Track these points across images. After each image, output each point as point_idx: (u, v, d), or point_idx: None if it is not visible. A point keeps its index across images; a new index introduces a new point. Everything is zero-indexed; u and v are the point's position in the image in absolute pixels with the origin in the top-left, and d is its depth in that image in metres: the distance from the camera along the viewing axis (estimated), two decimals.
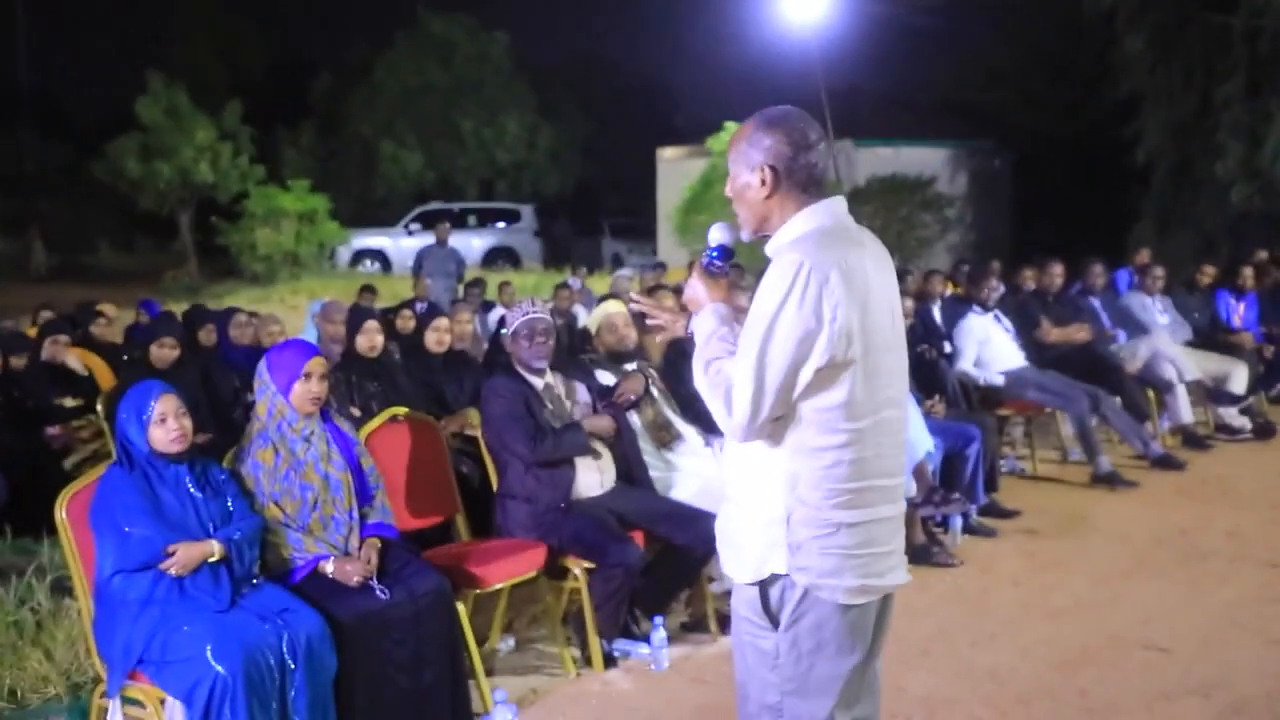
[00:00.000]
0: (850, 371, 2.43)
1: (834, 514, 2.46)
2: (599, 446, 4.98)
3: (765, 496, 2.51)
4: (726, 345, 2.52)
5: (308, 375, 4.13)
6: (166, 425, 3.80)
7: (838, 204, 2.59)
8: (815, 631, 2.51)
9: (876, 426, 2.50)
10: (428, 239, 24.67)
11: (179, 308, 11.70)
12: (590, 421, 4.95)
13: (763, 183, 2.54)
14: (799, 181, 2.54)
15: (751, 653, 2.60)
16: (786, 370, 2.39)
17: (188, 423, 3.87)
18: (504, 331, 5.23)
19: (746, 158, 2.57)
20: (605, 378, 5.53)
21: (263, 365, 4.22)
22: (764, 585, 2.54)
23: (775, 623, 2.54)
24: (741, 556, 2.58)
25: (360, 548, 4.11)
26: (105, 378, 7.48)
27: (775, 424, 2.46)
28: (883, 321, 2.51)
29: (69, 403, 6.87)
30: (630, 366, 5.60)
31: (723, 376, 2.46)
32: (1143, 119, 16.29)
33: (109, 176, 25.50)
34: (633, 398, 5.22)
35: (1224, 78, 15.13)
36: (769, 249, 2.57)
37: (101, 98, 36.58)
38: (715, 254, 2.72)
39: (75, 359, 7.26)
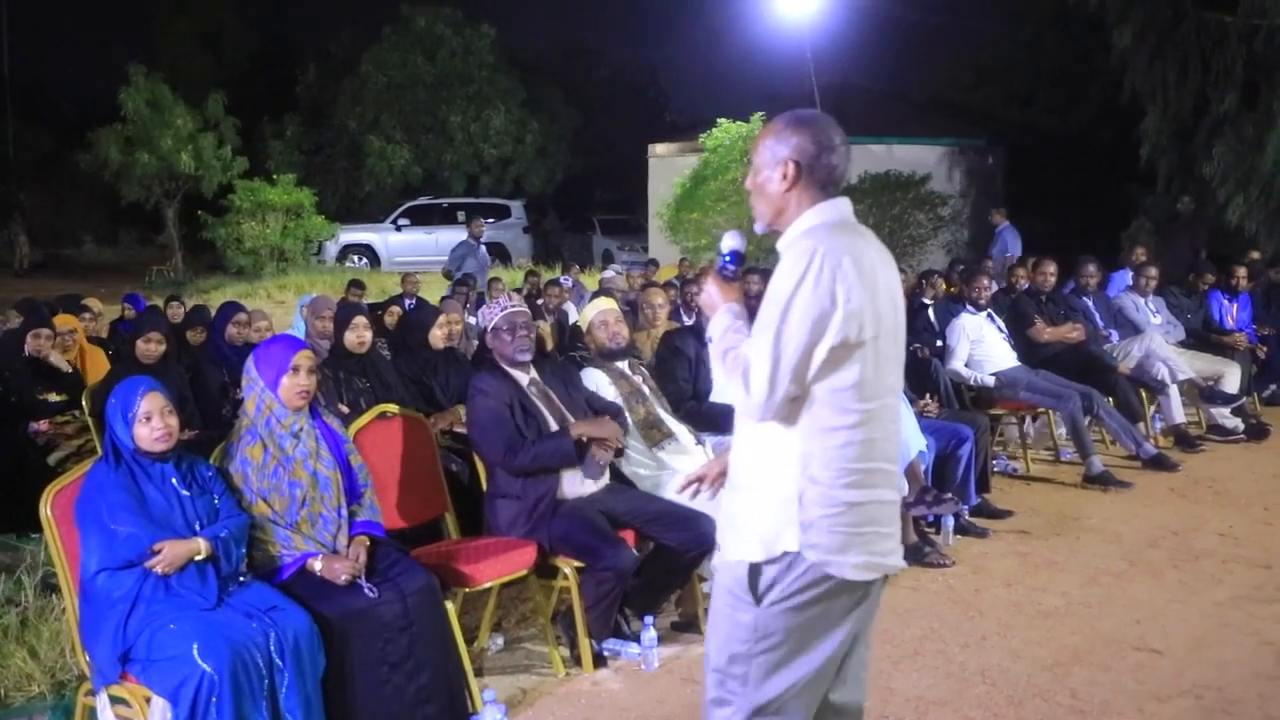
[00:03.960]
0: (861, 353, 2.54)
1: (843, 493, 2.55)
2: (595, 458, 4.89)
3: (778, 477, 2.59)
4: (741, 336, 2.64)
5: (295, 368, 4.11)
6: (151, 424, 3.76)
7: (844, 203, 2.71)
8: (803, 608, 2.58)
9: (883, 411, 2.60)
10: (416, 235, 24.83)
11: (165, 297, 11.66)
12: (582, 426, 4.88)
13: (784, 176, 2.67)
14: (819, 179, 2.67)
15: (726, 624, 2.66)
16: (802, 350, 2.49)
17: (173, 421, 3.82)
18: (485, 327, 5.22)
19: (772, 152, 2.69)
20: (599, 375, 5.49)
21: (250, 361, 4.19)
22: (758, 565, 2.59)
23: (758, 599, 2.60)
24: (750, 536, 2.62)
25: (349, 546, 4.07)
26: (101, 372, 7.42)
27: (791, 404, 2.55)
28: (887, 310, 2.61)
29: (53, 398, 6.81)
30: (615, 397, 5.48)
31: (740, 359, 2.56)
32: (1142, 118, 16.29)
33: (91, 167, 25.38)
34: (610, 456, 5.05)
35: (1220, 76, 15.13)
36: (781, 244, 2.68)
37: (85, 87, 36.49)
38: (728, 259, 2.85)
39: (59, 355, 7.18)
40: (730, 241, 2.87)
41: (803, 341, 2.49)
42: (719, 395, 2.44)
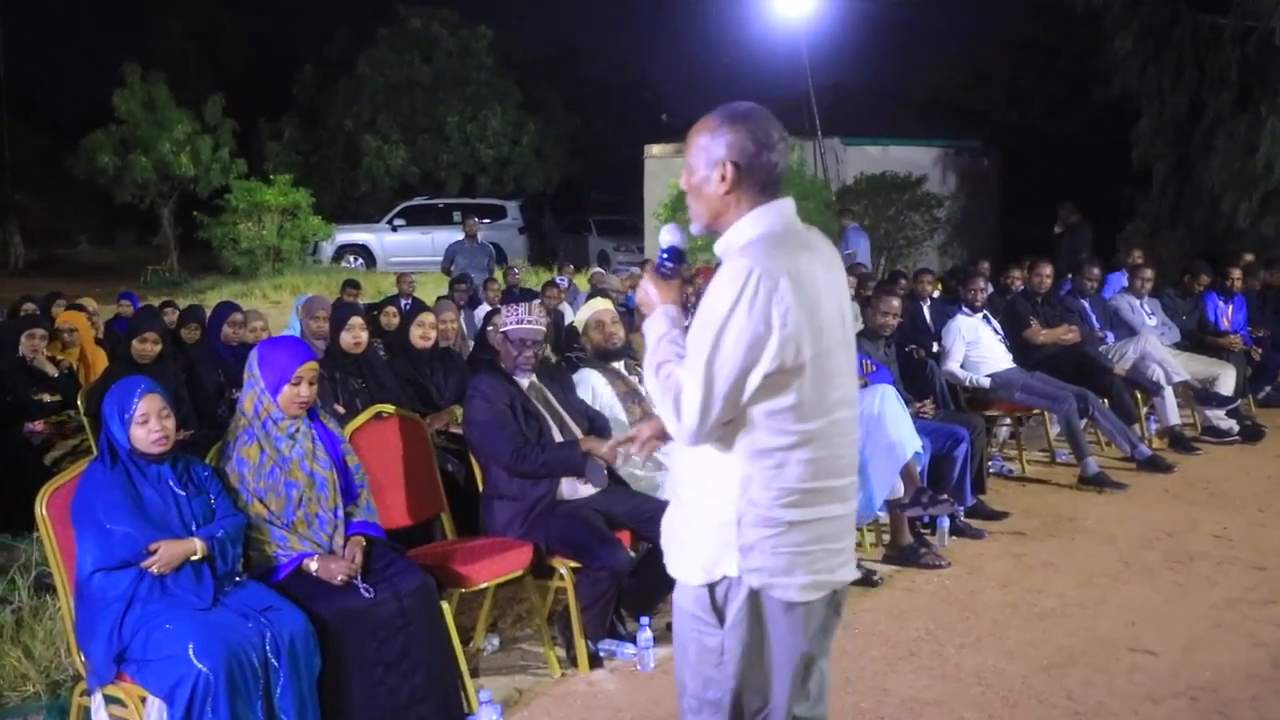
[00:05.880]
0: (800, 375, 2.44)
1: (783, 513, 2.48)
2: (599, 461, 4.89)
3: (717, 498, 2.52)
4: (676, 348, 2.53)
5: (298, 380, 4.09)
6: (148, 426, 3.76)
7: (787, 205, 2.58)
8: (761, 628, 2.53)
9: (829, 427, 2.52)
10: (412, 235, 24.82)
11: (159, 302, 11.64)
12: (590, 442, 4.89)
13: (723, 178, 2.53)
14: (759, 180, 2.54)
15: (694, 648, 2.61)
16: (735, 376, 2.40)
17: (170, 424, 3.82)
18: (492, 328, 5.19)
19: (708, 152, 2.55)
20: (595, 375, 5.49)
21: (254, 358, 4.17)
22: (713, 585, 2.55)
23: (722, 619, 2.55)
24: (691, 559, 2.58)
25: (345, 546, 4.07)
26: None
27: (725, 427, 2.47)
28: (833, 323, 2.52)
29: (47, 398, 6.80)
30: (611, 398, 5.47)
31: (672, 381, 2.47)
32: (1137, 120, 16.33)
33: (84, 170, 25.30)
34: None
35: (1215, 79, 15.18)
36: (718, 247, 2.57)
37: (80, 88, 36.42)
38: (665, 255, 2.72)
39: (43, 359, 7.14)
40: (668, 236, 2.74)
41: (736, 367, 2.39)
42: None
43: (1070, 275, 9.62)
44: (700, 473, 2.56)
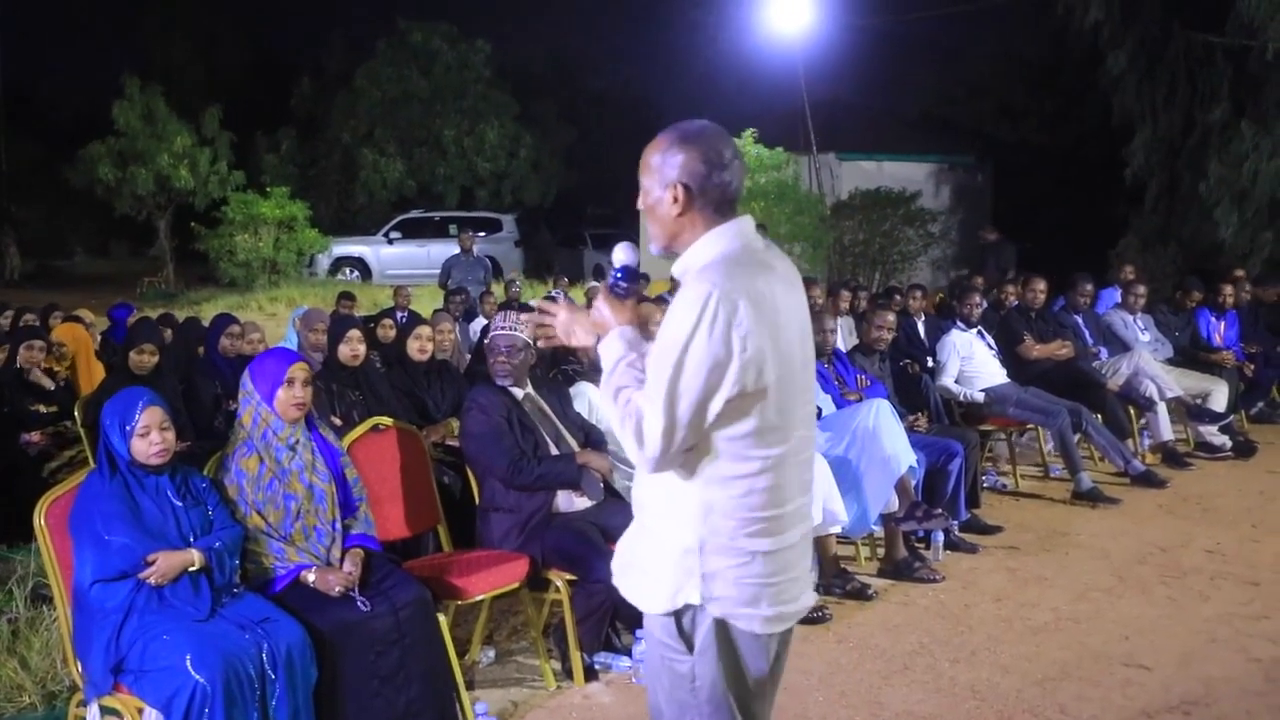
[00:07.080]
0: (762, 399, 2.40)
1: (749, 543, 2.44)
2: (595, 474, 4.90)
3: (678, 524, 2.48)
4: (635, 372, 2.48)
5: (290, 381, 4.11)
6: (149, 438, 3.77)
7: (746, 224, 2.54)
8: (731, 658, 2.50)
9: (790, 449, 2.48)
10: (408, 247, 24.84)
11: (155, 314, 11.64)
12: (587, 456, 4.91)
13: (675, 200, 2.49)
14: (712, 200, 2.49)
15: (667, 676, 2.57)
16: (697, 402, 2.36)
17: (171, 436, 3.83)
18: (488, 341, 5.20)
19: (660, 173, 2.51)
20: (591, 389, 5.50)
21: (246, 376, 4.20)
22: (678, 613, 2.52)
23: (690, 646, 2.52)
24: (653, 587, 2.54)
25: (342, 559, 4.08)
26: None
27: (687, 453, 2.42)
28: (793, 343, 2.49)
29: (43, 409, 6.80)
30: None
31: (633, 407, 2.42)
32: (1130, 136, 16.41)
33: (83, 182, 25.28)
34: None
35: (1207, 96, 15.27)
36: (675, 269, 2.54)
37: (77, 98, 36.38)
38: (619, 274, 2.63)
39: (39, 372, 7.14)
40: (622, 255, 2.65)
41: (697, 393, 2.34)
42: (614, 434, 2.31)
43: (1008, 289, 9.85)
44: (662, 498, 2.51)
